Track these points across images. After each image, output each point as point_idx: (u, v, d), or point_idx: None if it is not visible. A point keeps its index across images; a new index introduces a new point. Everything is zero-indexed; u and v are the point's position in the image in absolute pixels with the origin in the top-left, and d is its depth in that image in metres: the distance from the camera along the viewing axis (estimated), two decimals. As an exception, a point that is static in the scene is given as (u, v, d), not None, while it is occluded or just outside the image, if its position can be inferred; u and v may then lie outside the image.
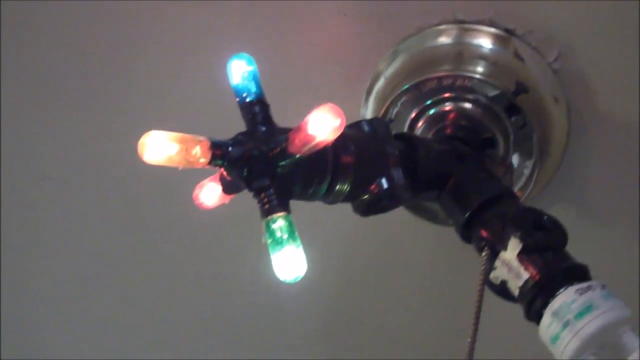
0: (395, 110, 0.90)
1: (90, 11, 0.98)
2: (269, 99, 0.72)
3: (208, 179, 0.75)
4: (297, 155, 0.67)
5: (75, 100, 1.04)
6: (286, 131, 0.69)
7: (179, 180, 0.72)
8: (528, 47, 0.91)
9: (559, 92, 0.91)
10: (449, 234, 0.82)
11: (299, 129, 0.65)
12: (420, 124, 0.90)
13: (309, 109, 0.86)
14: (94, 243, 1.13)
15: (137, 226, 1.12)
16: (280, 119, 0.72)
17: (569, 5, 0.89)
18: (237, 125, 0.72)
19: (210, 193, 0.76)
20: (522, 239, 0.74)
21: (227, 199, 0.75)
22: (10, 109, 1.05)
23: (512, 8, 0.90)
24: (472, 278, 0.77)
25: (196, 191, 0.76)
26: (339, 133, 0.64)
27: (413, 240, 1.04)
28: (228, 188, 0.73)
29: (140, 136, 0.66)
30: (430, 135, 0.90)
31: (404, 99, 0.90)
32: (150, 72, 1.01)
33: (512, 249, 0.74)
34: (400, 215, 0.84)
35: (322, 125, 0.64)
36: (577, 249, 0.74)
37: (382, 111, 0.89)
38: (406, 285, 1.08)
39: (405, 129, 0.91)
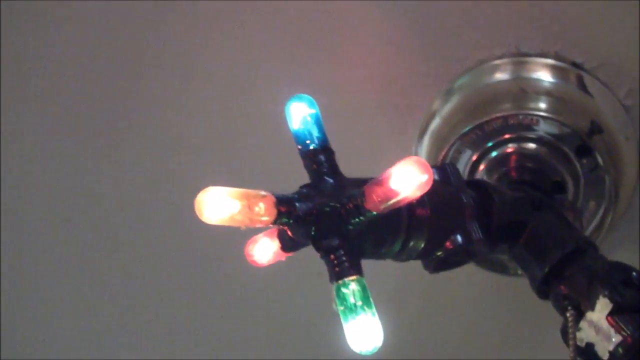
0: (454, 152, 0.83)
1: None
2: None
3: (262, 233, 0.68)
4: (374, 213, 0.59)
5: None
6: (358, 184, 0.61)
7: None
8: (597, 81, 0.83)
9: (629, 130, 0.84)
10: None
11: (378, 182, 0.58)
12: (482, 166, 0.83)
13: (357, 148, 0.80)
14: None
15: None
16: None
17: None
18: (294, 176, 0.64)
19: (264, 249, 0.68)
20: (611, 299, 0.67)
21: (284, 256, 0.67)
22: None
23: (579, 40, 0.83)
24: (550, 332, 0.72)
25: (249, 247, 0.68)
26: (425, 190, 0.57)
27: (484, 295, 0.97)
28: (288, 246, 0.65)
29: (187, 190, 0.59)
30: (493, 179, 0.82)
31: (464, 140, 0.82)
32: (195, 116, 0.94)
33: (601, 309, 0.68)
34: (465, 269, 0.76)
35: (408, 181, 0.57)
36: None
37: (442, 154, 0.82)
38: (477, 341, 1.01)
39: (466, 172, 0.83)
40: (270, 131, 0.83)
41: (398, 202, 0.58)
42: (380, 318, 0.60)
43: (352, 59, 0.88)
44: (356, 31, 0.86)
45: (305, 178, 0.65)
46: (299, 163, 0.66)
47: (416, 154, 0.88)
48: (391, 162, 0.87)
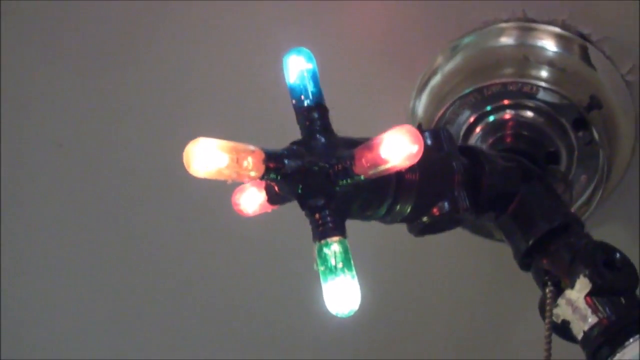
0: (451, 112, 0.82)
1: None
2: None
3: (249, 183, 0.67)
4: (362, 177, 0.58)
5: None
6: (349, 144, 0.61)
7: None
8: (602, 55, 0.82)
9: (629, 106, 0.84)
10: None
11: (368, 147, 0.57)
12: (478, 129, 0.83)
13: (354, 99, 0.79)
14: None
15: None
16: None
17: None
18: (285, 129, 0.63)
19: (251, 199, 0.68)
20: (591, 279, 0.67)
21: (270, 208, 0.67)
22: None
23: (587, 11, 0.82)
24: (530, 300, 0.72)
25: (236, 196, 0.68)
26: (414, 161, 0.56)
27: (468, 258, 0.96)
28: (274, 199, 0.65)
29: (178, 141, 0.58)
30: (488, 143, 0.82)
31: (463, 101, 0.81)
32: (190, 65, 0.93)
33: (580, 289, 0.68)
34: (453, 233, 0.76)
35: (398, 150, 0.56)
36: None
37: (440, 112, 0.81)
38: (458, 305, 1.01)
39: (461, 134, 0.83)
40: (265, 82, 0.82)
41: (386, 169, 0.58)
42: (360, 281, 0.60)
43: (355, 8, 0.86)
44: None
45: (298, 133, 0.65)
46: (292, 117, 0.65)
47: (414, 109, 0.87)
48: (388, 116, 0.88)
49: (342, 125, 0.64)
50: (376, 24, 0.87)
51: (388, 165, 0.57)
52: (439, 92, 0.84)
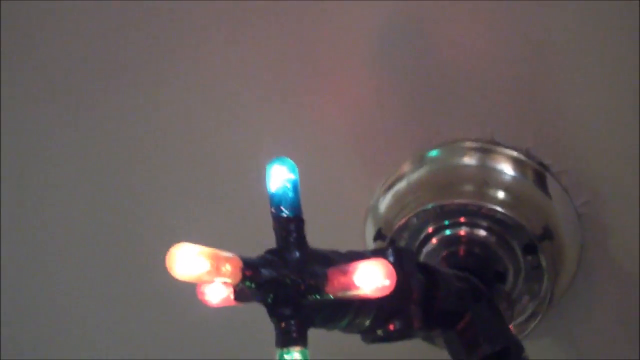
0: (411, 219, 0.86)
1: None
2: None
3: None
4: (330, 296, 0.62)
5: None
6: (322, 261, 0.64)
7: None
8: (559, 186, 0.87)
9: (577, 236, 0.89)
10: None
11: (343, 272, 0.61)
12: (434, 240, 0.87)
13: (321, 189, 0.83)
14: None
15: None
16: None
17: (610, 156, 0.86)
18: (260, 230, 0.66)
19: (216, 292, 0.70)
20: (527, 409, 0.71)
21: (234, 303, 0.70)
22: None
23: (553, 142, 0.87)
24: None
25: (202, 286, 0.70)
26: (383, 294, 0.60)
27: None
28: (241, 298, 0.68)
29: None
30: (442, 255, 0.86)
31: (423, 213, 0.85)
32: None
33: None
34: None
35: (370, 281, 0.60)
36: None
37: (402, 220, 0.86)
38: None
39: (418, 241, 0.87)
40: (243, 185, 0.85)
41: (355, 295, 0.61)
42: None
43: (338, 111, 0.90)
44: (349, 86, 0.89)
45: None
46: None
47: (376, 208, 0.91)
48: (350, 211, 0.91)
49: (307, 213, 0.67)
50: (352, 126, 0.90)
51: (358, 292, 0.61)
52: (403, 199, 0.88)
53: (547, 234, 0.84)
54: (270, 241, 0.67)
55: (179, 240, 0.60)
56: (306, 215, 0.68)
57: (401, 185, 0.89)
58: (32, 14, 0.92)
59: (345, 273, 0.61)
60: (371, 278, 0.60)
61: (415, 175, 0.89)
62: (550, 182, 0.87)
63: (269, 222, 0.68)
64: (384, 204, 0.90)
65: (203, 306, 0.71)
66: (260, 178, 0.69)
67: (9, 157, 0.99)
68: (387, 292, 0.60)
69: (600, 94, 0.86)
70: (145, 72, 0.93)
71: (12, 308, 1.12)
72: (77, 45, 0.93)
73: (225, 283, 0.62)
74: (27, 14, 0.92)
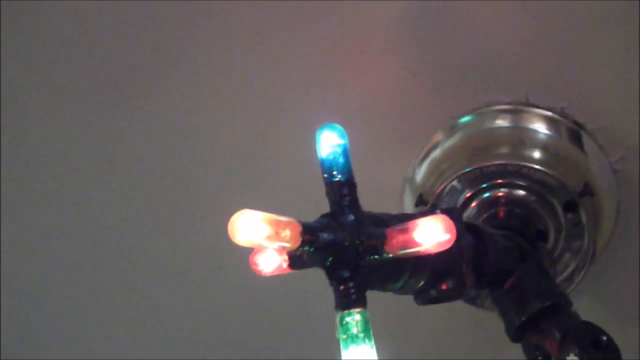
0: (450, 186, 0.87)
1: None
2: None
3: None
4: (390, 255, 0.63)
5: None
6: (376, 222, 0.65)
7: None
8: (594, 143, 0.88)
9: (614, 191, 0.89)
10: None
11: (402, 230, 0.62)
12: (473, 204, 0.87)
13: (362, 169, 0.84)
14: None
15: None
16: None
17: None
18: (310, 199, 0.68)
19: (269, 260, 0.71)
20: (581, 357, 0.72)
21: (288, 271, 0.70)
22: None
23: (585, 101, 0.88)
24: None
25: (255, 256, 0.71)
26: (445, 248, 0.61)
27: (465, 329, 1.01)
28: (297, 265, 0.68)
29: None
30: (482, 218, 0.87)
31: (461, 178, 0.86)
32: (223, 132, 0.97)
33: (570, 365, 0.72)
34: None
35: (431, 236, 0.60)
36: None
37: (440, 187, 0.87)
38: None
39: (458, 206, 0.87)
40: (292, 154, 0.86)
41: (416, 252, 0.62)
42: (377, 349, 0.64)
43: (370, 82, 0.91)
44: (380, 56, 0.89)
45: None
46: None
47: (413, 179, 0.91)
48: (388, 183, 0.92)
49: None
50: (386, 90, 0.91)
51: (419, 249, 0.61)
52: (439, 166, 0.89)
53: (588, 191, 0.85)
54: (322, 208, 0.68)
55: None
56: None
57: (436, 153, 0.90)
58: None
59: (405, 231, 0.62)
60: (432, 233, 0.61)
61: (449, 142, 0.89)
62: (586, 139, 0.88)
63: (319, 189, 0.69)
64: (421, 173, 0.91)
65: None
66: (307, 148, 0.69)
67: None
68: (448, 246, 0.61)
69: (630, 51, 0.86)
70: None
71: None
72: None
73: (283, 248, 0.62)
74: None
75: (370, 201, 0.85)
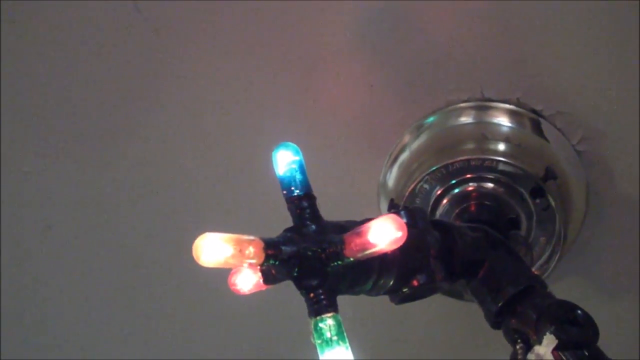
0: (420, 185, 0.90)
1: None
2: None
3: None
4: (351, 259, 0.66)
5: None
6: (338, 229, 0.68)
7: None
8: (553, 128, 0.91)
9: (580, 174, 0.92)
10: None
11: (357, 233, 0.65)
12: (445, 201, 0.90)
13: (332, 176, 0.87)
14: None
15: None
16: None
17: (595, 90, 0.90)
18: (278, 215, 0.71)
19: (247, 280, 0.75)
20: (557, 335, 0.74)
21: (265, 287, 0.74)
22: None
23: (539, 89, 0.90)
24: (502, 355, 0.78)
25: (232, 277, 0.75)
26: (399, 245, 0.64)
27: (445, 320, 1.04)
28: (269, 280, 0.72)
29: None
30: (454, 213, 0.89)
31: (430, 176, 0.89)
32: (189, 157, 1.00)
33: (547, 344, 0.75)
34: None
35: (384, 236, 0.64)
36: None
37: (411, 187, 0.90)
38: None
39: (430, 204, 0.90)
40: (256, 174, 0.89)
41: (373, 252, 0.65)
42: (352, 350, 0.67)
43: (332, 100, 0.94)
44: (336, 75, 0.93)
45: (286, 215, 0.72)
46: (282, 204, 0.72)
47: (385, 183, 0.95)
48: (362, 190, 0.95)
49: (322, 200, 0.71)
50: (351, 110, 0.94)
51: (376, 249, 0.65)
52: (408, 168, 0.92)
53: (550, 174, 0.88)
54: (286, 223, 0.71)
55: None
56: (321, 199, 0.72)
57: (404, 155, 0.93)
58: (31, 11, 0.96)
59: (360, 234, 0.65)
60: (384, 233, 0.64)
61: (416, 144, 0.93)
62: (545, 126, 0.91)
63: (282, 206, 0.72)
64: (392, 177, 0.94)
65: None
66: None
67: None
68: (401, 242, 0.64)
69: (575, 33, 0.89)
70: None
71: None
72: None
73: (250, 265, 0.66)
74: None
75: (351, 210, 0.88)
